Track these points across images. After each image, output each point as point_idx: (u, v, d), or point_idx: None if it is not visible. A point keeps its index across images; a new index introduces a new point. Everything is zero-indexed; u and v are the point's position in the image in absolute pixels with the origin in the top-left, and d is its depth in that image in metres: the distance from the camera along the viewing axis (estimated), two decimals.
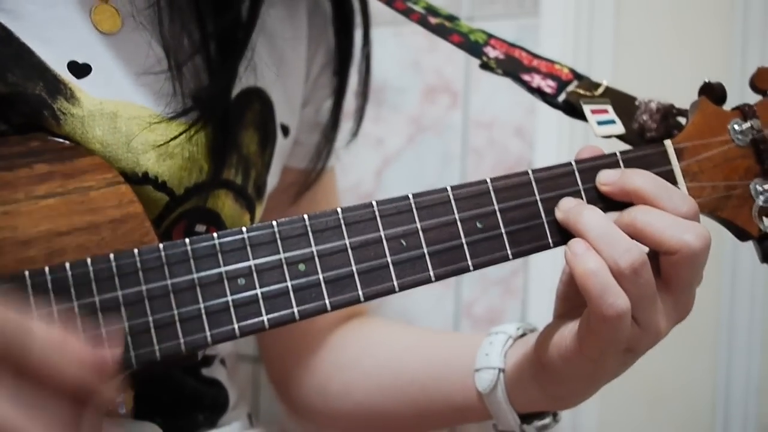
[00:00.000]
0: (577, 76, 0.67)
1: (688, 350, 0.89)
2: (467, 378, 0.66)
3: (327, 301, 0.52)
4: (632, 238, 0.54)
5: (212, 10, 0.61)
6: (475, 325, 0.99)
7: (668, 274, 0.54)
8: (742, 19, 0.88)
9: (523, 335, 0.65)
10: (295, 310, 0.51)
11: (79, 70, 0.58)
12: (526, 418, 0.64)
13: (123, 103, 0.58)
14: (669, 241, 0.53)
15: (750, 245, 0.62)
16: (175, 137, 0.59)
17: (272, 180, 0.71)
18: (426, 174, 1.02)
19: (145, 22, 0.61)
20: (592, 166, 0.58)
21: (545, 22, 0.95)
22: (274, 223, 0.51)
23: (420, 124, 1.02)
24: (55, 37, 0.57)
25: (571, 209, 0.55)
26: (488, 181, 0.56)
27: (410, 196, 0.54)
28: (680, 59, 0.92)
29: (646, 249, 0.54)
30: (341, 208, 0.53)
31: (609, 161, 0.58)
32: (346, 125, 0.80)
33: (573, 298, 0.58)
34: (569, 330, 0.56)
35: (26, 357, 0.40)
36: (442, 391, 0.69)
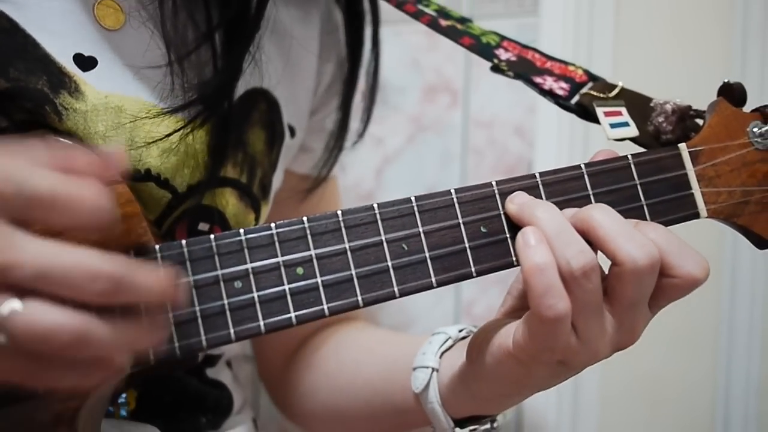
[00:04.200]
0: (592, 77, 0.65)
1: (688, 351, 0.89)
2: (408, 378, 0.64)
3: (325, 306, 0.50)
4: (582, 235, 0.51)
5: (219, 2, 0.60)
6: (474, 325, 0.98)
7: (612, 288, 0.51)
8: (742, 19, 0.88)
9: (466, 337, 0.63)
10: (293, 314, 0.50)
11: (85, 62, 0.57)
12: (463, 423, 0.61)
13: (128, 98, 0.58)
14: (618, 250, 0.50)
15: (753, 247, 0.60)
16: (176, 131, 0.58)
17: (277, 180, 0.70)
18: (426, 173, 1.02)
19: (148, 17, 0.60)
20: (602, 169, 0.56)
21: (545, 21, 0.95)
22: (273, 225, 0.51)
23: (420, 124, 1.02)
24: (59, 30, 0.57)
25: (526, 203, 0.52)
26: (494, 184, 0.54)
27: (413, 199, 0.53)
28: (680, 59, 0.91)
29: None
30: (341, 211, 0.52)
31: (620, 164, 0.56)
32: (351, 126, 0.79)
33: (524, 297, 0.56)
34: (507, 328, 0.53)
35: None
36: (388, 391, 0.67)
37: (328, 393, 0.74)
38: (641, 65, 0.92)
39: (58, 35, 0.57)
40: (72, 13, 0.58)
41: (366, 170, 1.02)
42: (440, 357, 0.62)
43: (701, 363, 0.89)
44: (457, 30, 0.69)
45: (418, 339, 0.69)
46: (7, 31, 0.55)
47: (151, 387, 0.63)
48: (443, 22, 0.69)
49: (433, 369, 0.62)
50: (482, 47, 0.67)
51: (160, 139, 0.58)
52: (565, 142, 0.93)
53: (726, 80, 0.61)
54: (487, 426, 0.61)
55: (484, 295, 0.97)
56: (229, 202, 0.63)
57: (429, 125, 1.01)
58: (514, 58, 0.67)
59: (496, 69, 0.67)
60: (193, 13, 0.60)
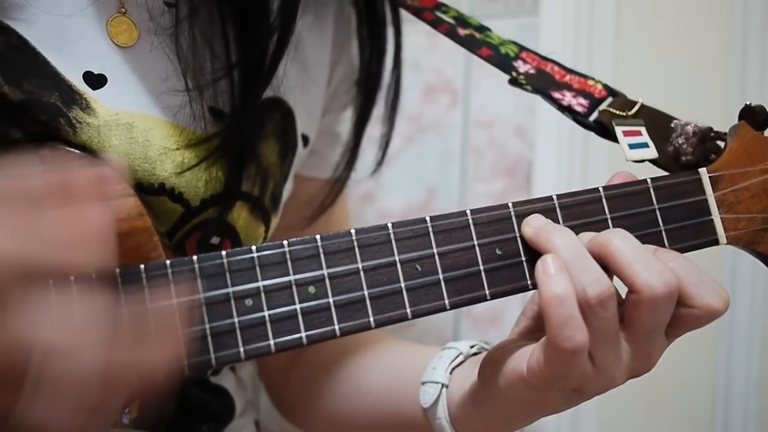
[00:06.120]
0: (611, 92, 0.64)
1: (688, 349, 0.88)
2: (415, 391, 0.63)
3: (336, 327, 0.50)
4: (599, 261, 0.50)
5: (238, 40, 0.60)
6: (475, 326, 0.98)
7: (629, 315, 0.50)
8: (741, 20, 0.88)
9: (477, 353, 0.63)
10: (303, 334, 0.49)
11: (95, 80, 0.57)
12: None
13: (139, 115, 0.57)
14: (636, 277, 0.49)
15: None
16: (197, 164, 0.58)
17: (287, 190, 0.70)
18: (426, 173, 1.01)
19: (162, 35, 0.59)
20: (620, 193, 0.55)
21: (545, 21, 0.95)
22: (285, 243, 0.50)
23: (420, 124, 1.02)
24: (70, 48, 0.56)
25: (543, 227, 0.52)
26: (510, 206, 0.53)
27: (427, 219, 0.52)
28: (680, 60, 0.91)
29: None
30: (355, 230, 0.51)
31: (638, 188, 0.55)
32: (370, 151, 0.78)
33: (539, 319, 0.56)
34: (522, 352, 0.53)
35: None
36: (394, 402, 0.67)
37: (331, 398, 0.74)
38: (641, 65, 0.92)
39: (68, 53, 0.56)
40: (84, 30, 0.57)
41: (366, 170, 1.01)
42: (450, 373, 0.62)
43: (701, 360, 0.89)
44: (475, 40, 0.68)
45: (426, 350, 0.68)
46: (18, 49, 0.54)
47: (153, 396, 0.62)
48: (462, 31, 0.68)
49: (443, 385, 0.61)
50: (501, 59, 0.66)
51: (174, 150, 0.57)
52: (565, 142, 0.93)
53: (748, 103, 0.59)
54: None
55: None
56: (241, 215, 0.62)
57: (429, 125, 1.01)
58: (532, 71, 0.66)
59: (514, 82, 0.66)
60: (210, 40, 0.59)
